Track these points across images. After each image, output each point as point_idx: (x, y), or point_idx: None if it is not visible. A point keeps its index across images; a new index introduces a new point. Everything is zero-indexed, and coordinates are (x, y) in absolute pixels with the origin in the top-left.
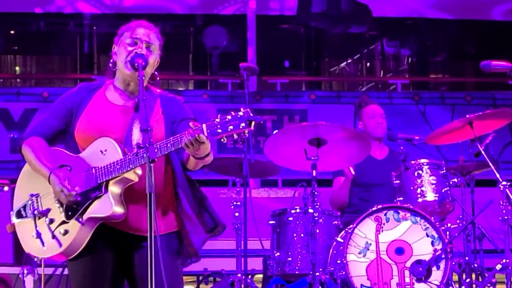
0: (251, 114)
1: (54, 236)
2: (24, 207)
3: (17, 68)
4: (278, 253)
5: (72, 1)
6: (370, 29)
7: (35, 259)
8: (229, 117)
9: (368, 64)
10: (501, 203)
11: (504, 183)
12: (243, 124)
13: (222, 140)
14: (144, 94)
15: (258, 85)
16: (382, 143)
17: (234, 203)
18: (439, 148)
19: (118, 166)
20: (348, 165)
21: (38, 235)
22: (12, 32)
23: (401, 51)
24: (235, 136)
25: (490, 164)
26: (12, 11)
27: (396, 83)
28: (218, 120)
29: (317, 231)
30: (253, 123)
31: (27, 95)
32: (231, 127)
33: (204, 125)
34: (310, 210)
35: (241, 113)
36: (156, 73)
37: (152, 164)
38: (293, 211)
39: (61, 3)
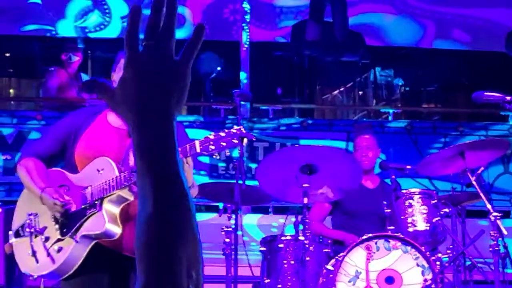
0: (244, 131)
1: (48, 254)
2: (22, 226)
3: (11, 90)
4: (268, 280)
5: (67, 25)
6: (363, 58)
7: (31, 278)
8: (222, 133)
9: (360, 92)
10: (492, 234)
11: (495, 214)
12: (235, 141)
13: (214, 156)
14: None
15: (251, 111)
16: (373, 173)
17: (225, 228)
18: (430, 178)
19: (113, 184)
20: (340, 195)
21: (33, 253)
22: (7, 54)
23: (394, 80)
24: (227, 153)
25: (482, 195)
26: (5, 33)
27: (388, 112)
28: (211, 136)
29: (307, 258)
30: (245, 139)
31: (21, 117)
32: (223, 143)
33: (196, 142)
34: (301, 237)
35: (234, 130)
36: None
37: None
38: (283, 238)
39: (56, 26)
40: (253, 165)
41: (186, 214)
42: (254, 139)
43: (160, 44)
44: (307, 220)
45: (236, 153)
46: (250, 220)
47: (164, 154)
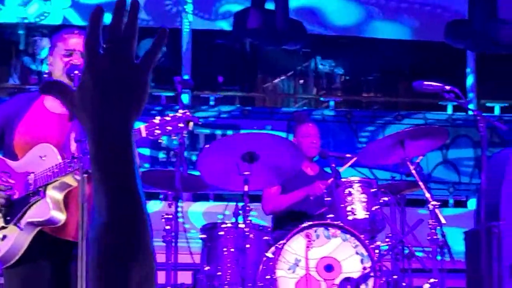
0: (189, 115)
1: None
2: None
3: None
4: (208, 267)
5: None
6: (304, 47)
7: None
8: (167, 118)
9: (301, 81)
10: (430, 222)
11: (433, 203)
12: (181, 125)
13: (159, 140)
14: None
15: (192, 99)
16: (313, 161)
17: (165, 216)
18: (370, 167)
19: (56, 170)
20: (280, 180)
21: None
22: None
23: (335, 69)
24: (173, 137)
25: (421, 184)
26: None
27: (328, 101)
28: (156, 121)
29: (248, 246)
30: (191, 123)
31: None
32: (169, 127)
33: (142, 126)
34: (241, 225)
35: (179, 114)
36: None
37: (85, 175)
38: (224, 226)
39: None
40: (194, 153)
41: (141, 229)
42: (200, 123)
43: (121, 48)
44: (265, 201)
45: (175, 142)
46: (194, 208)
47: (121, 167)
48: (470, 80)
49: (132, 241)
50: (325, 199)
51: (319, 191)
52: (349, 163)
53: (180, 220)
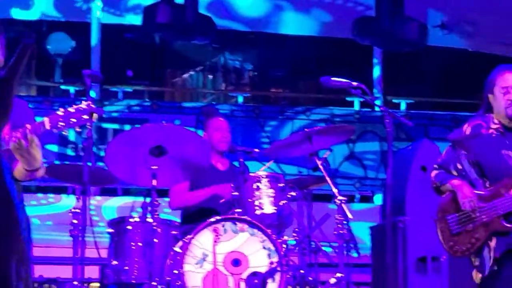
0: (93, 106)
1: None
2: None
3: None
4: (116, 262)
5: None
6: (214, 42)
7: None
8: (71, 109)
9: (210, 76)
10: (337, 217)
11: (340, 198)
12: (85, 117)
13: (64, 133)
14: None
15: (101, 93)
16: (223, 156)
17: (73, 210)
18: (277, 162)
19: None
20: (189, 174)
21: None
22: None
23: (243, 64)
24: (78, 129)
25: (327, 179)
26: None
27: (237, 96)
28: (60, 113)
29: (155, 240)
30: (95, 115)
31: None
32: (73, 120)
33: (46, 119)
34: (149, 219)
35: (83, 106)
36: None
37: None
38: (131, 220)
39: None
40: (103, 148)
41: (10, 213)
42: (103, 114)
43: None
44: (172, 197)
45: (83, 135)
46: (102, 202)
47: None
48: (376, 72)
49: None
50: (233, 193)
51: (227, 195)
52: (268, 164)
53: (88, 214)
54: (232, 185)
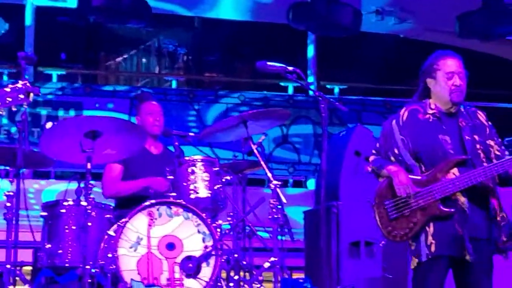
0: (30, 86)
1: None
2: None
3: None
4: (49, 245)
5: None
6: (148, 25)
7: None
8: (7, 89)
9: (144, 59)
10: (271, 202)
11: (275, 182)
12: (21, 96)
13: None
14: None
15: (34, 75)
16: (157, 140)
17: (6, 193)
18: (212, 146)
19: None
20: (122, 156)
21: None
22: None
23: (178, 48)
24: (14, 109)
25: (262, 163)
26: None
27: (171, 80)
28: None
29: (89, 224)
30: (31, 94)
31: None
32: (9, 99)
33: None
34: (83, 203)
35: (19, 85)
36: None
37: None
38: (65, 203)
39: None
40: (36, 131)
41: None
42: (39, 94)
43: None
44: (105, 185)
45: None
46: (35, 185)
47: None
48: (310, 53)
49: None
50: (168, 177)
51: (161, 188)
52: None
53: (22, 197)
54: (165, 178)
